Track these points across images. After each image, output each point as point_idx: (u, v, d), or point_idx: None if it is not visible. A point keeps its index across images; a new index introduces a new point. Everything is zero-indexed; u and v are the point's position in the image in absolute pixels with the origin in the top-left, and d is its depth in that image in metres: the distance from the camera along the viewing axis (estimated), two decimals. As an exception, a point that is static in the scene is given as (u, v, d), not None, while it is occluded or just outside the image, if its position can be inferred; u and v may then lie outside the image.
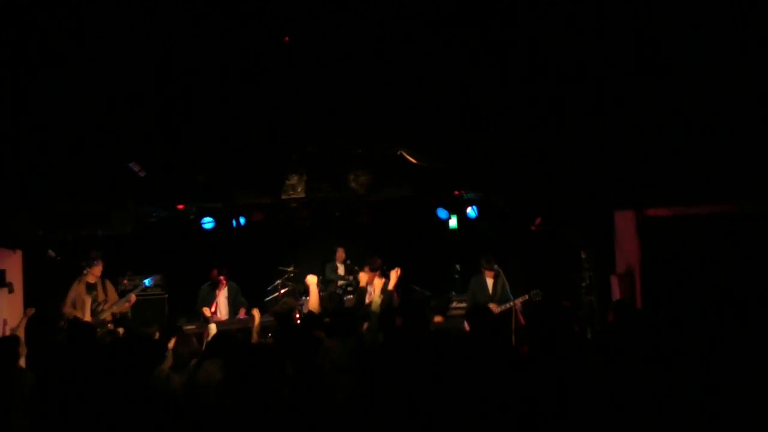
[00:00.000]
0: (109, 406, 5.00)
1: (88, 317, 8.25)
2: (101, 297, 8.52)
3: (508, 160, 8.17)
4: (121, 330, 8.24)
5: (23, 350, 5.74)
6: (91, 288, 8.49)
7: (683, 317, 7.54)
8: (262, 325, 8.92)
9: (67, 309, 8.25)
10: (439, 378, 5.03)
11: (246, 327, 8.94)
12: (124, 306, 8.68)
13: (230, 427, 5.14)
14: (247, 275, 10.55)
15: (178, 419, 5.31)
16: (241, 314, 9.39)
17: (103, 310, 8.44)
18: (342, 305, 9.15)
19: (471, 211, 10.22)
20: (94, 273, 8.52)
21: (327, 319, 7.25)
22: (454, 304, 9.89)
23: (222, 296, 9.42)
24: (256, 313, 7.66)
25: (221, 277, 9.39)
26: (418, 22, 6.00)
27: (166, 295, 9.97)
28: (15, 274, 8.96)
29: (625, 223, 8.83)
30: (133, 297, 8.76)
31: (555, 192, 8.46)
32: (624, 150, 7.42)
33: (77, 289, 8.39)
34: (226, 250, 10.46)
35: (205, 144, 7.89)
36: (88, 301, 8.37)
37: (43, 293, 9.11)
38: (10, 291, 8.77)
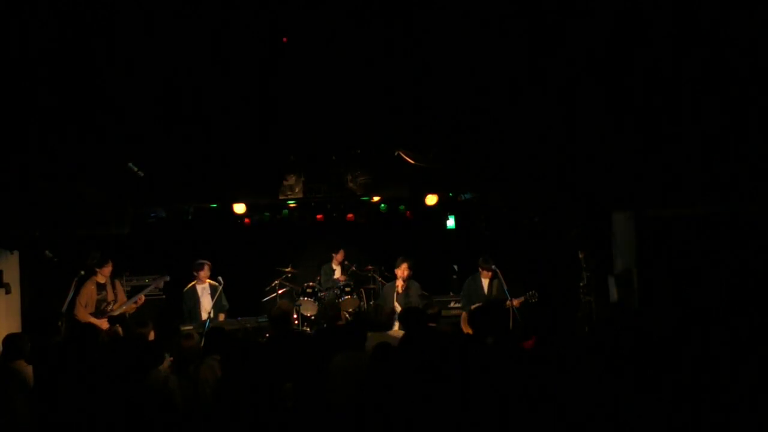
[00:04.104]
0: (108, 406, 4.99)
1: (96, 320, 8.24)
2: (110, 297, 8.53)
3: (506, 160, 8.18)
4: (120, 329, 8.23)
5: (27, 347, 5.71)
6: (100, 288, 8.50)
7: (681, 317, 7.57)
8: (259, 326, 8.94)
9: (80, 311, 8.22)
10: (443, 379, 5.03)
11: (244, 327, 8.93)
12: (132, 306, 8.69)
13: (230, 427, 5.15)
14: (245, 276, 10.54)
15: (176, 419, 5.31)
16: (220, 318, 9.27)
17: (112, 310, 8.45)
18: (340, 313, 9.22)
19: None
20: (104, 273, 8.53)
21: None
22: (452, 304, 9.91)
23: (205, 295, 9.31)
24: None
25: (199, 272, 9.29)
26: (419, 23, 6.02)
27: (164, 296, 9.94)
28: (12, 275, 8.93)
29: (623, 223, 8.84)
30: (142, 297, 8.77)
31: (554, 192, 8.47)
32: (623, 150, 7.44)
33: (88, 290, 8.37)
34: (225, 251, 10.44)
35: (203, 144, 7.89)
36: (95, 300, 8.39)
37: (41, 294, 9.08)
38: (8, 292, 8.72)
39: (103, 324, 8.24)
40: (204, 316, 9.06)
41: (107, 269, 8.53)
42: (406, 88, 7.11)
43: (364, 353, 5.64)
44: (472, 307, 8.69)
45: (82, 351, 5.59)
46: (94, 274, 8.48)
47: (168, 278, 9.26)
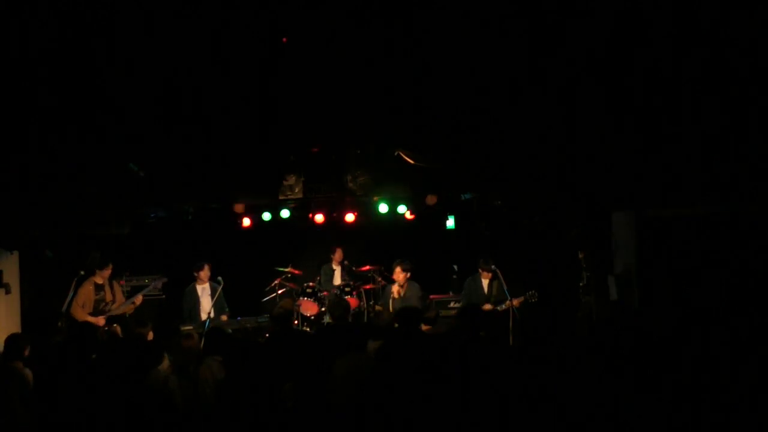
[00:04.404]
0: (108, 406, 4.99)
1: (93, 318, 8.25)
2: (108, 298, 8.52)
3: (506, 160, 8.19)
4: (118, 328, 8.23)
5: (27, 348, 5.71)
6: (98, 288, 8.49)
7: (681, 317, 7.57)
8: (259, 326, 8.93)
9: (77, 312, 8.22)
10: (443, 379, 5.02)
11: (244, 327, 8.92)
12: (130, 307, 8.68)
13: (230, 427, 5.15)
14: (245, 276, 10.52)
15: (176, 419, 5.31)
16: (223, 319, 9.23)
17: (110, 311, 8.45)
18: (348, 312, 9.20)
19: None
20: (103, 275, 8.52)
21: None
22: (452, 304, 9.90)
23: (205, 295, 9.28)
24: None
25: (199, 273, 9.27)
26: (419, 23, 6.03)
27: (164, 296, 9.93)
28: (12, 275, 8.93)
29: (622, 223, 8.84)
30: (140, 298, 8.76)
31: (554, 192, 8.47)
32: (623, 150, 7.44)
33: (86, 290, 8.36)
34: (225, 251, 10.43)
35: (203, 144, 7.90)
36: (93, 300, 8.39)
37: (41, 294, 9.08)
38: (8, 292, 8.73)
39: (100, 321, 8.24)
40: (203, 316, 9.03)
41: (107, 271, 8.52)
42: (406, 88, 7.11)
43: (365, 354, 5.65)
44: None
45: (82, 351, 5.59)
46: (94, 274, 8.48)
47: (166, 279, 9.25)
